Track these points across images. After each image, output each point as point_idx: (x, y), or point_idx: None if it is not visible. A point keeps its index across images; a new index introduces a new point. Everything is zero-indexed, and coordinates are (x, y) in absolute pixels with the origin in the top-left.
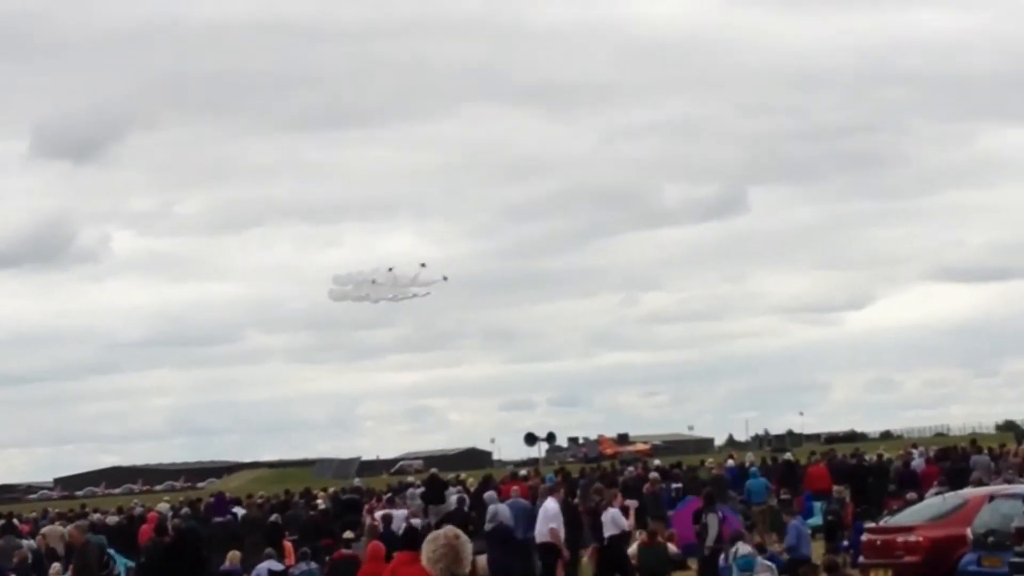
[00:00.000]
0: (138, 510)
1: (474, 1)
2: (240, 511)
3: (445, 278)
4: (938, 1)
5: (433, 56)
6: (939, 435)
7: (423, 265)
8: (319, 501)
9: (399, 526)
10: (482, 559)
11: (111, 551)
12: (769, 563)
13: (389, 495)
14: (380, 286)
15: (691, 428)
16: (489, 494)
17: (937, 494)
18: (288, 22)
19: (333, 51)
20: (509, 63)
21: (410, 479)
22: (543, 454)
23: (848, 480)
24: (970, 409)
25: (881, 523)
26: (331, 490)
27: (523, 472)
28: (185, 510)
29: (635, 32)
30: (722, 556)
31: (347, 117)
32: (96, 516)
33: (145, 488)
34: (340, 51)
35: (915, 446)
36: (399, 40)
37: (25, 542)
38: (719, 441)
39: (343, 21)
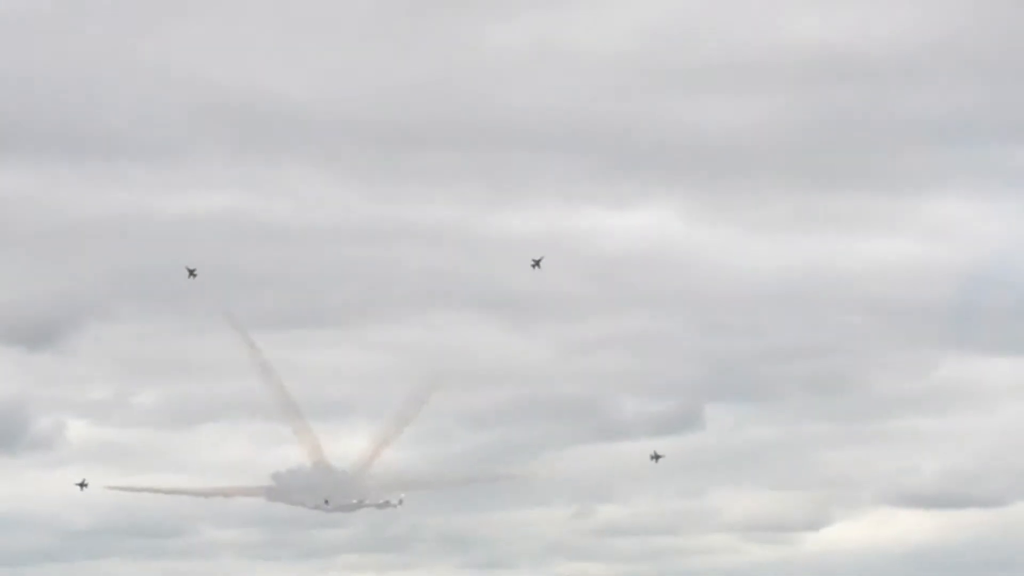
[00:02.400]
0: None
1: (440, 209)
2: None
3: (400, 501)
4: (900, 230)
5: (396, 261)
6: None
7: (400, 502)
8: None
9: None
10: None
11: None
12: None
13: None
14: (322, 491)
15: None
16: None
17: None
18: (255, 222)
19: (298, 252)
20: (472, 272)
21: None
22: None
23: None
24: None
25: None
26: None
27: None
28: None
29: (597, 246)
30: None
31: (307, 317)
32: None
33: None
34: (305, 252)
35: None
36: (364, 244)
37: None
38: None
39: (309, 222)
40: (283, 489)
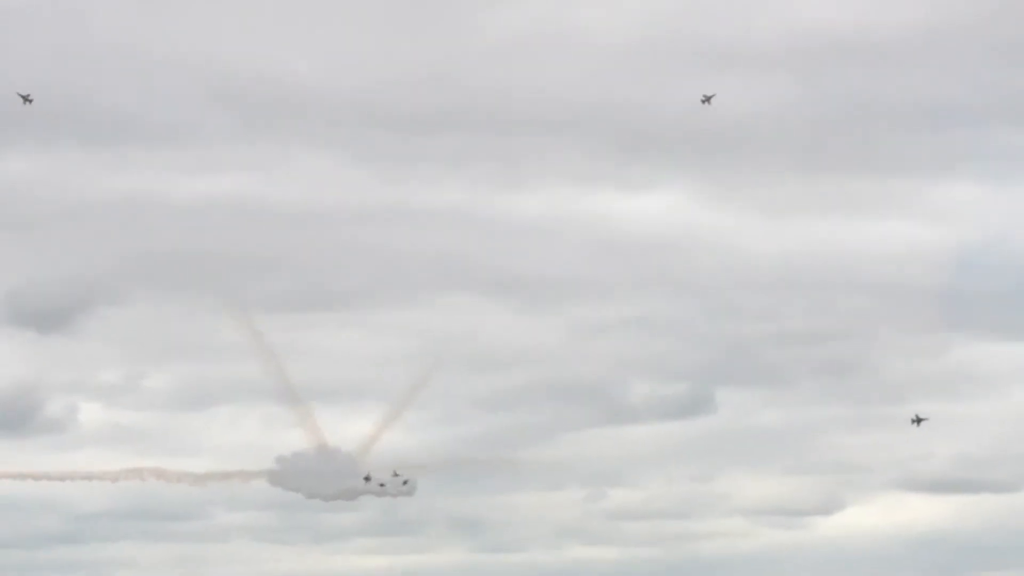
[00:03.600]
0: None
1: (451, 193)
2: None
3: (396, 474)
4: (912, 214)
5: (407, 244)
6: None
7: (396, 475)
8: None
9: None
10: None
11: None
12: None
13: None
14: (326, 475)
15: None
16: None
17: None
18: (264, 205)
19: (308, 235)
20: (483, 255)
21: None
22: None
23: None
24: None
25: None
26: None
27: None
28: None
29: (609, 229)
30: None
31: (317, 301)
32: None
33: None
34: (315, 236)
35: None
36: (374, 227)
37: None
38: None
39: (318, 206)
40: (286, 473)
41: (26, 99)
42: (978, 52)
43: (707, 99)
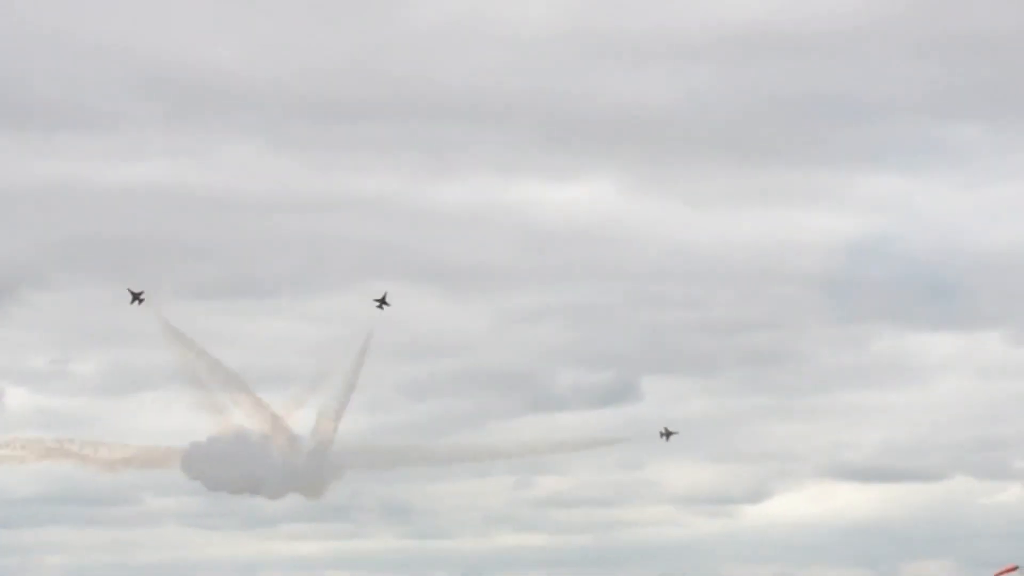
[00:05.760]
0: None
1: (377, 181)
2: None
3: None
4: (837, 205)
5: (333, 232)
6: None
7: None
8: None
9: None
10: None
11: None
12: None
13: None
14: (239, 461)
15: None
16: None
17: None
18: (190, 192)
19: (233, 223)
20: (409, 243)
21: None
22: None
23: None
24: None
25: None
26: None
27: None
28: None
29: (535, 218)
30: None
31: (244, 288)
32: None
33: None
34: (240, 223)
35: None
36: (299, 215)
37: None
38: None
39: (245, 194)
40: (195, 459)
41: None
42: (903, 46)
43: None
